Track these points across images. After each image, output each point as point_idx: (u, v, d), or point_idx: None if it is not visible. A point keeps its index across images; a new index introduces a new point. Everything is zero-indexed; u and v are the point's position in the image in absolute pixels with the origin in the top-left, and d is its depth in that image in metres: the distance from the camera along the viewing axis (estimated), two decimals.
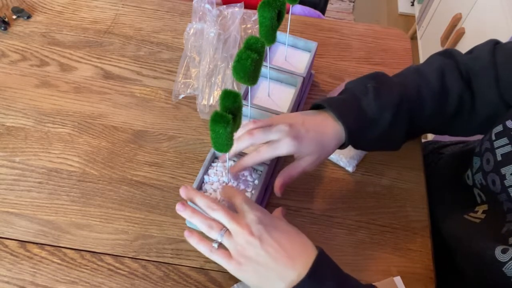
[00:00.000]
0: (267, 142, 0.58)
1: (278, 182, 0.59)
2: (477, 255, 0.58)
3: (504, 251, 0.53)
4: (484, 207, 0.63)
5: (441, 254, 0.67)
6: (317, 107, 0.64)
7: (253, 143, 0.58)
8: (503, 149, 0.57)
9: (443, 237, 0.67)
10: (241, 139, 0.58)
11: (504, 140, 0.57)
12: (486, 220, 0.61)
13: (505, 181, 0.57)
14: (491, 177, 0.59)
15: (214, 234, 0.51)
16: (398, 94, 0.62)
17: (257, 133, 0.57)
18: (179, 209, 0.53)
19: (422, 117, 0.64)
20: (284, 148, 0.56)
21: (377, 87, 0.62)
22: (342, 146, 0.62)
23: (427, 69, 0.65)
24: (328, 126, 0.60)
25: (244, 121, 0.56)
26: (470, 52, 0.67)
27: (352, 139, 0.60)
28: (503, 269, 0.53)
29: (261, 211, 0.52)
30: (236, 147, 0.58)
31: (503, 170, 0.57)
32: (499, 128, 0.58)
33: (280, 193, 0.60)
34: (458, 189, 0.69)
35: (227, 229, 0.51)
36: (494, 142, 0.58)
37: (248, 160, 0.59)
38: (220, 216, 0.51)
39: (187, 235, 0.53)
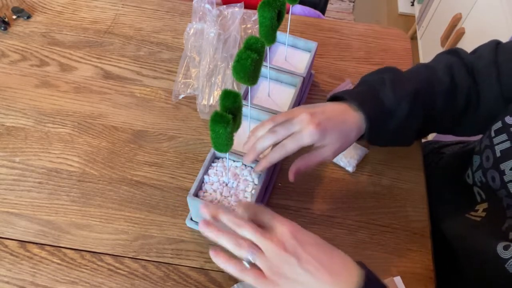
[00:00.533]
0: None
1: (293, 167, 0.58)
2: (479, 253, 0.58)
3: (506, 248, 0.53)
4: (484, 205, 0.63)
5: (443, 254, 0.67)
6: (333, 99, 0.63)
7: (277, 140, 0.57)
8: (502, 145, 0.57)
9: (444, 237, 0.67)
10: (264, 138, 0.57)
11: (503, 137, 0.57)
12: (487, 218, 0.62)
13: (504, 176, 0.57)
14: (491, 173, 0.60)
15: (243, 253, 0.46)
16: (413, 87, 0.62)
17: (279, 129, 0.57)
18: (203, 228, 0.48)
19: (434, 112, 0.64)
20: (307, 137, 0.55)
21: (394, 79, 0.62)
22: (360, 138, 0.61)
23: (436, 66, 0.66)
24: (348, 115, 0.59)
25: (244, 121, 0.57)
26: (474, 52, 0.68)
27: (371, 129, 0.60)
28: (506, 265, 0.53)
29: (291, 224, 0.48)
30: (260, 146, 0.57)
31: (502, 166, 0.57)
32: (498, 124, 0.59)
33: (293, 179, 0.58)
34: (458, 188, 0.69)
35: (258, 247, 0.46)
36: (494, 139, 0.59)
37: (274, 156, 0.57)
38: (249, 233, 0.47)
39: (212, 255, 0.48)
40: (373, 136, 0.62)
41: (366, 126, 0.60)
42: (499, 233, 0.57)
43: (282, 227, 0.47)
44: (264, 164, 0.59)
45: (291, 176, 0.59)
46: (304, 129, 0.55)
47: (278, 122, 0.58)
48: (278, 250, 0.45)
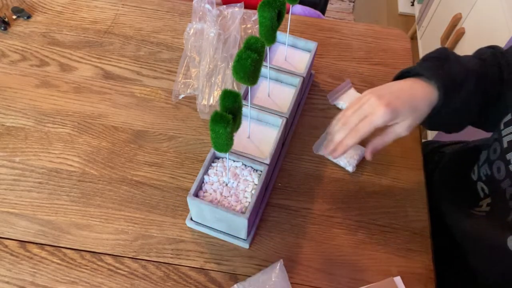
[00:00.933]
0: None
1: (370, 147, 0.59)
2: (488, 248, 0.58)
3: None
4: (488, 200, 0.64)
5: (450, 252, 0.67)
6: (399, 78, 0.64)
7: (351, 128, 0.58)
8: (510, 136, 0.58)
9: (450, 235, 0.67)
10: (339, 131, 0.59)
11: (511, 129, 0.58)
12: (491, 211, 0.62)
13: (509, 166, 0.57)
14: (497, 164, 0.60)
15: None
16: (475, 65, 0.62)
17: (351, 117, 0.58)
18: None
19: (490, 94, 0.63)
20: (379, 118, 0.56)
21: (456, 56, 0.63)
22: (432, 111, 0.61)
23: (482, 55, 0.66)
24: (418, 88, 0.60)
25: (244, 121, 0.56)
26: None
27: (445, 95, 0.59)
28: None
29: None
30: (337, 138, 0.59)
31: (508, 156, 0.57)
32: (508, 117, 0.59)
33: (371, 158, 0.61)
34: (461, 186, 0.69)
35: None
36: (502, 131, 0.59)
37: (348, 141, 0.59)
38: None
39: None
40: (445, 105, 0.60)
41: (440, 92, 0.59)
42: (506, 225, 0.57)
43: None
44: (341, 150, 0.60)
45: (368, 155, 0.61)
46: (375, 111, 0.57)
47: (348, 112, 0.60)
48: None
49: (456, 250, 0.66)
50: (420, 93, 0.59)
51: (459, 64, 0.62)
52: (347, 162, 0.73)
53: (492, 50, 0.66)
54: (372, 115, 0.57)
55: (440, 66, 0.61)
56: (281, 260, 0.63)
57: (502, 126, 0.60)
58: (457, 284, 0.67)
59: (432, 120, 0.63)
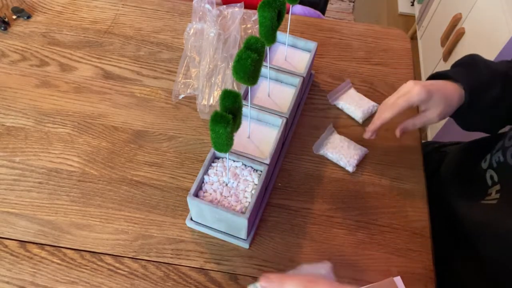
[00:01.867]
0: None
1: (401, 126, 0.63)
2: (500, 235, 0.58)
3: None
4: (497, 187, 0.65)
5: (464, 246, 0.68)
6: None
7: (389, 103, 0.63)
8: None
9: (463, 227, 0.67)
10: (383, 111, 0.64)
11: None
12: (501, 198, 0.63)
13: None
14: (511, 151, 0.62)
15: None
16: (504, 69, 0.66)
17: (390, 97, 0.63)
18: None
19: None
20: (416, 96, 0.61)
21: (485, 60, 0.67)
22: (460, 109, 0.64)
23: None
24: (449, 85, 0.64)
25: (244, 121, 0.56)
26: None
27: (471, 95, 0.62)
28: None
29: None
30: (382, 118, 0.64)
31: None
32: None
33: (399, 135, 0.64)
34: (470, 176, 0.71)
35: None
36: None
37: (386, 114, 0.63)
38: None
39: None
40: (471, 105, 0.63)
41: (466, 93, 0.62)
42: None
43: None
44: (378, 122, 0.65)
45: (397, 133, 0.64)
46: (412, 90, 0.62)
47: (389, 98, 0.64)
48: None
49: (463, 243, 0.67)
50: (451, 88, 0.63)
51: (487, 68, 0.65)
52: (347, 162, 0.73)
53: None
54: (409, 92, 0.62)
55: (467, 70, 0.66)
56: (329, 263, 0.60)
57: None
58: (464, 276, 0.67)
59: (463, 120, 0.66)
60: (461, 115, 0.66)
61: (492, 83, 0.64)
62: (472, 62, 0.67)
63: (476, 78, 0.64)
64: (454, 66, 0.70)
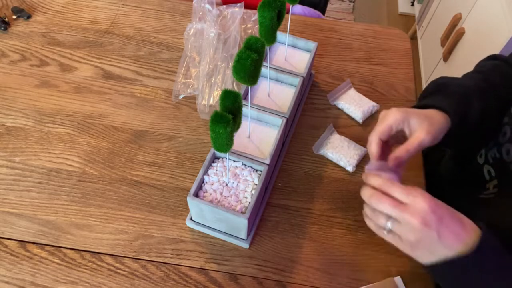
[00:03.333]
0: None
1: (391, 155, 0.60)
2: (496, 228, 0.58)
3: None
4: (494, 182, 0.65)
5: None
6: None
7: (374, 138, 0.61)
8: None
9: None
10: (368, 145, 0.61)
11: None
12: (499, 193, 0.63)
13: None
14: (506, 147, 0.62)
15: (382, 223, 0.53)
16: (474, 83, 0.66)
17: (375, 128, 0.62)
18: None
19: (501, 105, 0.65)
20: (392, 116, 0.59)
21: (453, 78, 0.67)
22: (449, 133, 0.62)
23: (482, 69, 0.69)
24: (428, 110, 0.62)
25: (244, 121, 0.56)
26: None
27: (455, 114, 0.61)
28: None
29: (427, 198, 0.51)
30: (371, 152, 0.61)
31: None
32: None
33: (393, 165, 0.60)
34: (467, 173, 0.71)
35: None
36: None
37: (372, 147, 0.61)
38: (389, 208, 0.52)
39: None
40: (463, 123, 0.62)
41: (451, 114, 0.61)
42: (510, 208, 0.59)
43: (421, 202, 0.50)
44: (371, 157, 0.62)
45: (390, 163, 0.61)
46: (388, 112, 0.60)
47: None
48: (420, 225, 0.49)
49: None
50: (431, 111, 0.62)
51: (458, 86, 0.65)
52: (347, 162, 0.73)
53: (492, 61, 0.70)
54: (386, 115, 0.60)
55: (441, 95, 0.64)
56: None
57: None
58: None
59: (457, 143, 0.65)
60: (460, 136, 0.64)
61: (469, 94, 0.63)
62: (441, 87, 0.66)
63: (453, 97, 0.63)
64: (423, 97, 0.68)
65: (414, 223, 0.49)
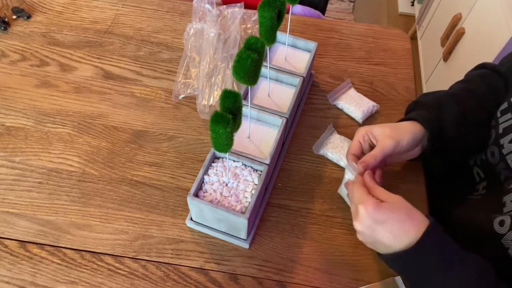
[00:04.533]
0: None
1: (360, 160, 0.62)
2: (479, 231, 0.59)
3: (501, 224, 0.56)
4: (484, 183, 0.67)
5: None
6: None
7: (350, 151, 0.66)
8: (506, 123, 0.62)
9: (451, 224, 0.68)
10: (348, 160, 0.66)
11: (508, 116, 0.62)
12: (486, 194, 0.65)
13: (503, 150, 0.61)
14: (491, 149, 0.64)
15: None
16: (449, 92, 0.70)
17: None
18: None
19: (483, 118, 0.68)
20: (357, 133, 0.65)
21: (427, 93, 0.72)
22: (429, 141, 0.64)
23: (467, 78, 0.73)
24: (401, 122, 0.66)
25: (244, 121, 0.56)
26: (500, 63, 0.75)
27: (430, 124, 0.64)
28: (502, 241, 0.55)
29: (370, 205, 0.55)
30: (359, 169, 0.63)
31: (502, 141, 0.62)
32: (504, 105, 0.63)
33: (363, 170, 0.62)
34: (460, 173, 0.72)
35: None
36: (499, 119, 0.64)
37: (347, 157, 0.66)
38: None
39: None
40: (435, 128, 0.64)
41: (419, 121, 0.64)
42: (497, 207, 0.60)
43: (362, 210, 0.55)
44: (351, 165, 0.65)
45: (360, 168, 0.63)
46: (356, 132, 0.66)
47: None
48: (361, 229, 0.57)
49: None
50: (402, 122, 0.66)
51: (432, 97, 0.69)
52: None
53: (480, 70, 0.73)
54: (355, 134, 0.66)
55: (415, 110, 0.68)
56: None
57: (499, 114, 0.64)
58: None
59: (450, 146, 0.66)
60: (440, 144, 0.65)
61: (445, 103, 0.66)
62: (417, 104, 0.70)
63: (425, 107, 0.67)
64: (402, 118, 0.70)
65: (355, 225, 0.57)
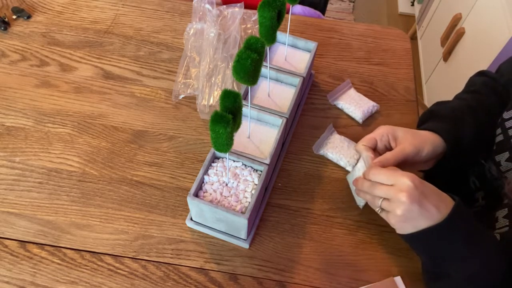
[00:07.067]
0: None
1: (377, 159, 0.62)
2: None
3: None
4: (481, 193, 0.67)
5: None
6: None
7: (363, 141, 0.65)
8: (497, 138, 0.63)
9: None
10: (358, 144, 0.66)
11: (498, 130, 0.63)
12: (486, 205, 0.66)
13: (500, 167, 0.62)
14: (488, 164, 0.65)
15: (376, 205, 0.59)
16: (464, 102, 0.70)
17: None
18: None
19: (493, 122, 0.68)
20: (379, 129, 0.65)
21: (439, 102, 0.72)
22: (447, 155, 0.65)
23: (473, 87, 0.73)
24: (423, 130, 0.66)
25: (244, 121, 0.56)
26: (497, 71, 0.75)
27: (449, 138, 0.64)
28: None
29: (411, 176, 0.56)
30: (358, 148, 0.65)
31: (497, 158, 0.62)
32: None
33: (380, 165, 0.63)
34: (457, 183, 0.72)
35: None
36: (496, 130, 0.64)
37: (363, 157, 0.65)
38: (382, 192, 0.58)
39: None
40: (453, 142, 0.64)
41: (444, 137, 0.64)
42: (491, 221, 0.61)
43: (406, 181, 0.55)
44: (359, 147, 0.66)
45: (376, 160, 0.63)
46: (380, 127, 0.66)
47: None
48: (407, 199, 0.54)
49: None
50: (424, 131, 0.65)
51: (449, 109, 0.69)
52: (347, 162, 0.73)
53: (483, 78, 0.74)
54: (377, 128, 0.65)
55: (433, 121, 0.68)
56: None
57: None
58: None
59: (461, 158, 0.66)
60: (454, 157, 0.66)
61: (463, 117, 0.66)
62: (433, 113, 0.69)
63: (444, 120, 0.66)
64: (418, 126, 0.70)
65: (402, 198, 0.54)
